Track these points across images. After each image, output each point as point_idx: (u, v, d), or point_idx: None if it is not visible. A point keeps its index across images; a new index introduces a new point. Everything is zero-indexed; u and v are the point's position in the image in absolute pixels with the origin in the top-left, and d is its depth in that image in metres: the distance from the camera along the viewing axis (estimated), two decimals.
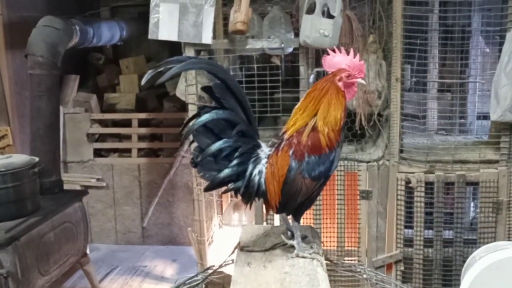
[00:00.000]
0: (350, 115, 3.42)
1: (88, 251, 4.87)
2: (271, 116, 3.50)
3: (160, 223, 5.09)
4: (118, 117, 5.15)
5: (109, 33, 4.64)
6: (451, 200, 3.42)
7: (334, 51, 1.95)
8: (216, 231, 3.93)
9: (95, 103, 5.17)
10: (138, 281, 4.42)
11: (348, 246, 3.50)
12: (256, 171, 1.89)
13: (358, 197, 3.43)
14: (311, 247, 2.06)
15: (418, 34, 3.35)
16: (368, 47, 3.39)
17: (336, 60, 1.92)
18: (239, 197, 1.93)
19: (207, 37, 3.32)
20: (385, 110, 3.40)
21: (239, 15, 3.16)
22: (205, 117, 1.78)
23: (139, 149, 5.12)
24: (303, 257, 1.99)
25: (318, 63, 3.77)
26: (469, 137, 3.81)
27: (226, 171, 1.84)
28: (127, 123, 5.14)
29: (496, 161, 3.30)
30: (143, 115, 5.15)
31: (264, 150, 1.94)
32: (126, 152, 5.13)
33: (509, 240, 3.26)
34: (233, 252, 2.14)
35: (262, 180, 1.89)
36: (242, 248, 2.09)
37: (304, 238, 2.15)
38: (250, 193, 1.90)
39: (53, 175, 3.93)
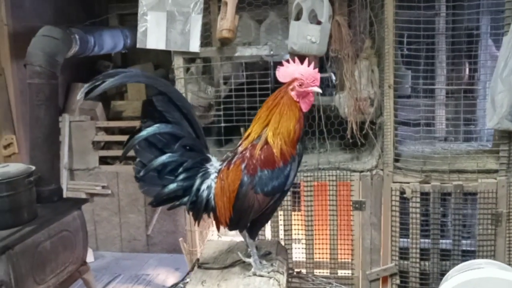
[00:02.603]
0: (342, 123, 3.33)
1: (92, 259, 4.91)
2: None
3: (164, 231, 5.07)
4: (122, 124, 5.16)
5: (111, 41, 4.65)
6: (453, 211, 3.27)
7: (288, 61, 1.88)
8: None
9: (101, 111, 5.19)
10: None
11: (341, 258, 3.39)
12: (204, 186, 1.83)
13: (351, 208, 3.32)
14: (272, 265, 1.98)
15: (411, 39, 3.23)
16: (364, 52, 3.30)
17: (290, 70, 1.85)
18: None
19: (194, 45, 3.27)
20: (379, 118, 3.28)
21: (225, 22, 3.12)
22: (146, 132, 1.73)
23: None
24: (261, 275, 1.92)
25: (321, 69, 3.69)
26: (473, 145, 3.64)
27: (171, 187, 1.79)
28: (133, 131, 5.12)
29: (496, 171, 3.14)
30: None
31: (214, 165, 1.88)
32: (131, 159, 5.12)
33: (510, 254, 3.10)
34: (192, 269, 2.07)
35: (211, 195, 1.83)
36: (200, 265, 2.03)
37: (267, 254, 2.08)
38: (198, 209, 1.84)
39: (52, 184, 3.94)
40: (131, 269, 4.79)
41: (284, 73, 1.87)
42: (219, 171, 1.86)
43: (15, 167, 3.49)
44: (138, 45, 3.35)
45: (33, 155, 3.91)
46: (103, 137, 5.10)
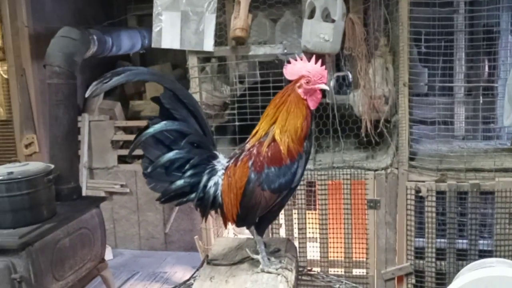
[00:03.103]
0: (356, 121, 3.31)
1: (111, 256, 4.97)
2: None
3: (182, 229, 5.10)
4: (141, 124, 5.18)
5: (129, 42, 4.70)
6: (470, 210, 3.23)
7: (296, 60, 1.88)
8: None
9: (119, 111, 5.25)
10: (156, 287, 4.44)
11: (356, 257, 3.37)
12: (211, 183, 1.84)
13: (366, 207, 3.30)
14: (280, 262, 1.98)
15: (429, 37, 3.20)
16: (379, 50, 3.28)
17: (297, 68, 1.85)
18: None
19: (208, 45, 3.30)
20: (394, 116, 3.26)
21: (238, 21, 3.13)
22: (153, 129, 1.75)
23: None
24: (269, 272, 1.92)
25: (338, 68, 3.68)
26: (492, 144, 3.59)
27: (178, 183, 1.80)
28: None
29: None
30: None
31: (221, 161, 1.89)
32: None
33: None
34: (201, 265, 2.09)
35: (218, 192, 1.84)
36: (209, 261, 2.04)
37: (276, 251, 2.08)
38: (205, 205, 1.85)
39: (71, 182, 4.00)
40: (149, 267, 4.83)
41: (291, 70, 1.87)
42: (226, 168, 1.87)
43: (34, 166, 3.56)
44: (153, 45, 3.39)
45: (53, 154, 3.98)
46: (121, 136, 5.16)
